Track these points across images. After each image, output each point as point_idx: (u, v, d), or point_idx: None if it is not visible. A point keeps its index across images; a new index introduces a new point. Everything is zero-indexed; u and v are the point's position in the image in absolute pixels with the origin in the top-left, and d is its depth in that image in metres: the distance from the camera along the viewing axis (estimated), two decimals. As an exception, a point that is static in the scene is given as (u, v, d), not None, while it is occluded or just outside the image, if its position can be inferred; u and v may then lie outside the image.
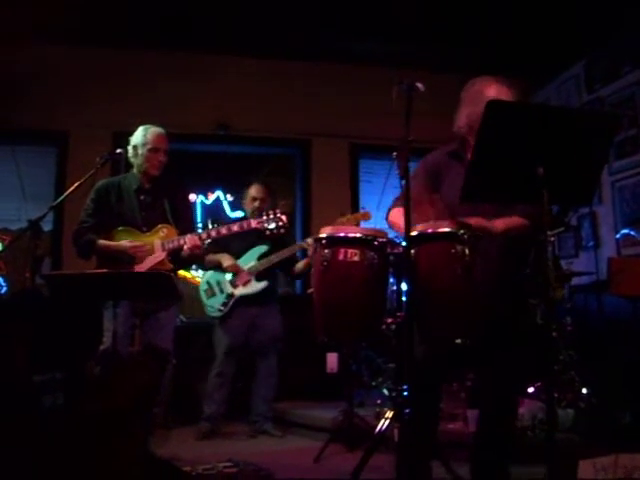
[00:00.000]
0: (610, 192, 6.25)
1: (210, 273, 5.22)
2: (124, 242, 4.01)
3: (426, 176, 3.07)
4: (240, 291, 5.09)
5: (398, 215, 2.95)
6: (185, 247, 4.02)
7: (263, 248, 5.11)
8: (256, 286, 5.09)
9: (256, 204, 5.22)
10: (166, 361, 4.31)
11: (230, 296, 5.08)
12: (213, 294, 5.14)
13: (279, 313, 5.25)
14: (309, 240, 4.92)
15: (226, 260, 5.07)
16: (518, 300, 2.99)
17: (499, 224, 2.75)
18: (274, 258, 5.06)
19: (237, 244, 5.03)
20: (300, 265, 5.22)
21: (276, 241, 4.91)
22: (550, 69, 7.02)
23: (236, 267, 5.07)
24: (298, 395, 5.81)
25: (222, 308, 5.07)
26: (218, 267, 5.12)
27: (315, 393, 5.84)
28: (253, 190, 5.29)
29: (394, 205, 3.13)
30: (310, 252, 4.89)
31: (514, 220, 2.81)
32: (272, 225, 4.18)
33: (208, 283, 5.20)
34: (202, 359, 5.46)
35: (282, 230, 4.23)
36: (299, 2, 5.92)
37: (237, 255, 5.12)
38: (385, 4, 5.86)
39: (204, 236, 4.09)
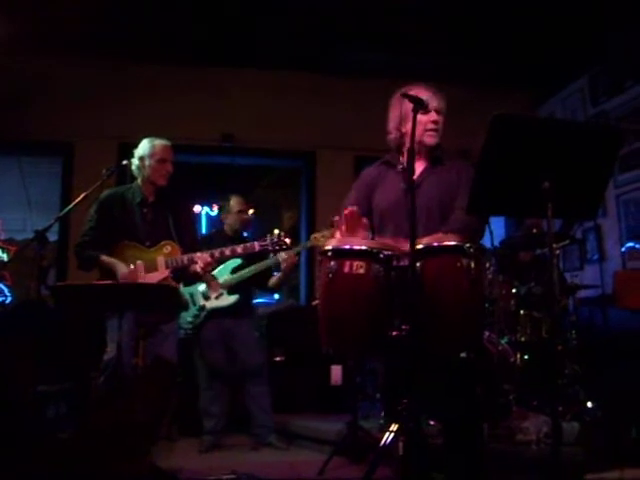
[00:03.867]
0: (615, 205, 6.25)
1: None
2: (122, 269, 3.97)
3: (359, 191, 3.20)
4: (212, 304, 5.04)
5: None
6: (197, 267, 4.04)
7: (237, 261, 5.06)
8: (228, 299, 5.04)
9: (244, 216, 5.21)
10: (175, 375, 4.31)
11: (202, 308, 5.04)
12: None
13: (254, 327, 5.23)
14: (284, 254, 4.88)
15: None
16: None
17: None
18: (247, 272, 5.03)
19: None
20: (274, 280, 5.16)
21: (251, 254, 4.91)
22: (555, 82, 7.04)
23: (209, 278, 4.99)
24: (302, 407, 5.79)
25: (193, 320, 5.05)
26: None
27: (319, 405, 5.83)
28: (235, 203, 5.25)
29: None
30: (283, 266, 4.94)
31: (440, 237, 2.78)
32: (276, 248, 4.21)
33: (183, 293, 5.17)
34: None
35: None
36: (302, 15, 5.96)
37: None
38: (390, 16, 5.89)
39: (217, 255, 4.10)
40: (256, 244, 4.23)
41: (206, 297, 5.05)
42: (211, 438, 4.96)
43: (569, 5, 5.55)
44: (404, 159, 3.07)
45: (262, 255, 4.84)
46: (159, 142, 4.24)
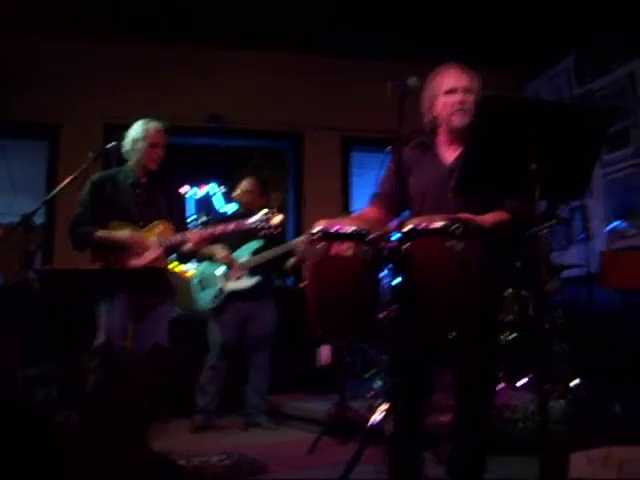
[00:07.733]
0: (601, 185, 6.28)
1: (203, 265, 5.19)
2: (125, 232, 4.00)
3: (396, 173, 3.11)
4: (232, 286, 5.06)
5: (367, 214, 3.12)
6: (191, 243, 4.04)
7: (258, 243, 5.08)
8: (248, 281, 5.06)
9: (247, 198, 5.22)
10: (173, 361, 4.32)
11: (222, 290, 5.06)
12: (204, 287, 5.12)
13: (274, 308, 5.25)
14: (299, 239, 5.05)
15: (220, 251, 4.99)
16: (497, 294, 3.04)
17: (488, 218, 2.76)
18: (268, 254, 5.04)
19: (232, 237, 4.87)
20: (290, 263, 5.21)
21: (271, 237, 4.90)
22: (540, 62, 7.04)
23: (230, 259, 5.02)
24: (291, 387, 5.83)
25: (214, 301, 5.06)
26: (211, 258, 5.08)
27: (308, 385, 5.87)
28: (245, 184, 5.28)
29: (369, 203, 3.21)
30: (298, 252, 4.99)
31: (501, 215, 2.82)
32: (267, 225, 4.19)
33: (201, 275, 5.18)
34: (195, 352, 5.47)
35: (278, 229, 4.24)
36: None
37: (231, 248, 5.08)
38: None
39: (209, 231, 4.12)
40: (247, 221, 4.22)
41: (226, 278, 5.06)
42: (202, 417, 4.99)
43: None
44: (439, 141, 3.07)
45: (281, 238, 4.93)
46: (152, 125, 4.21)
